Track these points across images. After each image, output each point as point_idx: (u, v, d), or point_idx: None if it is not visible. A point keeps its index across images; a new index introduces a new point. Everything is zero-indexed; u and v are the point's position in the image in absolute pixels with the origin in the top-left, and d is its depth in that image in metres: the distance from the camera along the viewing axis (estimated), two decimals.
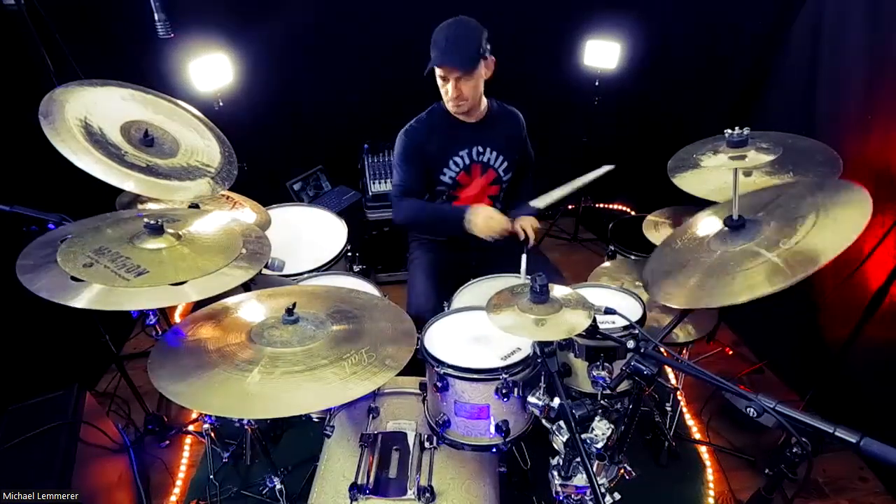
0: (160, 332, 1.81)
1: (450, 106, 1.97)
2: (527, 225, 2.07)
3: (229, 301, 1.43)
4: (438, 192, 2.13)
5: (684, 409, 2.30)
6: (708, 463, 2.11)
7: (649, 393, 1.30)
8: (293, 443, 2.21)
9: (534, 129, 2.17)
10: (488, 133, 2.05)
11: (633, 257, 2.17)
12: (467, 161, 2.06)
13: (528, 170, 2.28)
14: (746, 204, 1.38)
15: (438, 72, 1.89)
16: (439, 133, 2.03)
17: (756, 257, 1.23)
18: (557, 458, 1.38)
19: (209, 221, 1.50)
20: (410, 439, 1.60)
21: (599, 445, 1.26)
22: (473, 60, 1.85)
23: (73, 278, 1.18)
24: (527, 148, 2.22)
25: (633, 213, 3.28)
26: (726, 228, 1.35)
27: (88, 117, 1.52)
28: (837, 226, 1.19)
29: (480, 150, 2.06)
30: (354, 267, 2.21)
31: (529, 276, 1.51)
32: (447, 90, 1.91)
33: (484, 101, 2.04)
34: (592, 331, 1.34)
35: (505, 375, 1.42)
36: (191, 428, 2.31)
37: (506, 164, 2.10)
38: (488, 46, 1.89)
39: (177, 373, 1.16)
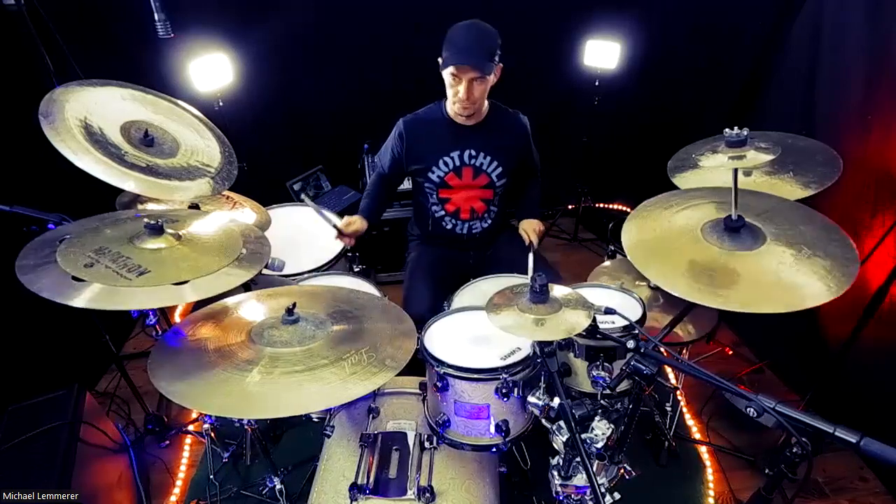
0: (160, 332, 1.82)
1: (457, 108, 1.93)
2: (528, 229, 2.08)
3: (229, 301, 1.43)
4: (428, 190, 2.11)
5: (684, 409, 2.30)
6: (708, 463, 2.11)
7: (649, 393, 1.30)
8: (293, 443, 2.21)
9: (534, 128, 2.16)
10: (484, 137, 2.03)
11: None
12: (457, 163, 2.03)
13: (533, 174, 2.26)
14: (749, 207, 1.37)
15: (451, 70, 1.83)
16: (433, 130, 2.02)
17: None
18: (557, 458, 1.38)
19: (209, 222, 1.50)
20: (410, 439, 1.59)
21: (599, 445, 1.26)
22: (490, 63, 1.83)
23: (75, 278, 1.18)
24: (529, 153, 2.18)
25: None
26: (722, 225, 1.33)
27: (88, 117, 1.52)
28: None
29: (473, 153, 2.03)
30: (354, 267, 2.21)
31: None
32: (458, 91, 1.86)
33: (485, 104, 2.01)
34: (592, 331, 1.34)
35: (505, 375, 1.42)
36: (191, 428, 2.30)
37: (500, 169, 2.06)
38: (499, 52, 1.87)
39: (177, 373, 1.16)
